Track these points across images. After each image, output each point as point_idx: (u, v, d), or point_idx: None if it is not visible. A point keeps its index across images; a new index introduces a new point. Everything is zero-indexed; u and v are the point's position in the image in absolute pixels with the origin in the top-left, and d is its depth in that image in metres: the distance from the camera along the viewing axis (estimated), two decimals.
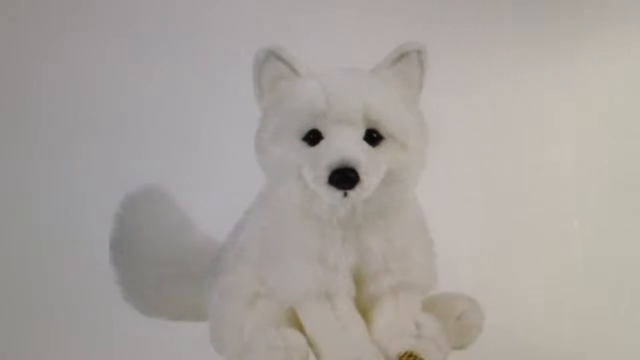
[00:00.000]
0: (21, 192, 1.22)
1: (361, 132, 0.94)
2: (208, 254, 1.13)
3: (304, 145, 0.95)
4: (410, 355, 0.94)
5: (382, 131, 0.94)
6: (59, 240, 1.21)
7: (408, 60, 0.98)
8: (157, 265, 1.16)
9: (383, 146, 0.95)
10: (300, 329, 1.01)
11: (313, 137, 0.94)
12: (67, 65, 1.23)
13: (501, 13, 1.25)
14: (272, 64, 0.98)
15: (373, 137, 0.94)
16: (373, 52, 0.99)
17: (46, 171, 1.22)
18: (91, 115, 1.21)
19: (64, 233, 1.21)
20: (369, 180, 0.92)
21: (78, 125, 1.21)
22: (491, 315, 1.04)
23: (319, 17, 1.19)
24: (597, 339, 1.07)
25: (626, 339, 1.08)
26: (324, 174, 0.91)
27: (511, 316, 1.07)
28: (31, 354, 1.12)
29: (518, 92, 1.20)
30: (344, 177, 0.90)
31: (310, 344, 0.99)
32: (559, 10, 1.25)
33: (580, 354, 1.04)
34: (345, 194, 0.92)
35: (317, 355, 0.99)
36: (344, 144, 0.92)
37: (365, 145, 0.93)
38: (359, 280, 1.00)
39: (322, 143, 0.94)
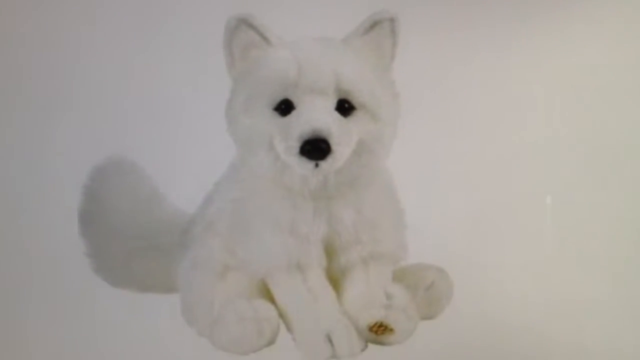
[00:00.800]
0: None
1: (333, 102, 0.94)
2: (177, 226, 1.12)
3: (275, 115, 0.95)
4: (381, 325, 0.96)
5: (354, 101, 0.95)
6: (28, 213, 1.19)
7: (380, 29, 0.98)
8: (126, 238, 1.15)
9: (355, 116, 0.95)
10: (271, 300, 1.01)
11: (284, 107, 0.94)
12: (35, 35, 1.21)
13: None
14: (243, 32, 0.97)
15: (345, 107, 0.94)
16: (345, 21, 0.99)
17: (13, 142, 1.20)
18: (59, 85, 1.19)
19: (32, 205, 1.20)
20: (341, 151, 0.92)
21: (46, 95, 1.20)
22: (460, 286, 1.06)
23: None
24: (565, 310, 1.09)
25: (595, 310, 1.10)
26: (296, 145, 0.91)
27: (480, 287, 1.08)
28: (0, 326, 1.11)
29: (491, 63, 1.20)
30: (315, 148, 0.91)
31: (281, 315, 1.00)
32: None
33: (549, 325, 1.05)
34: (317, 165, 0.92)
35: (288, 326, 1.00)
36: (316, 114, 0.92)
37: (337, 115, 0.94)
38: (330, 251, 1.01)
39: (294, 113, 0.94)
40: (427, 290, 1.04)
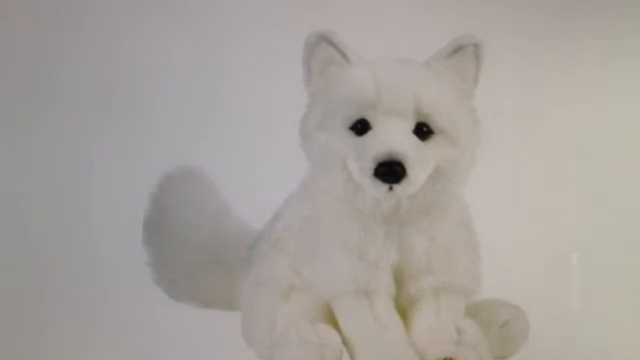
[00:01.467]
0: (57, 166, 1.21)
1: (411, 125, 0.92)
2: (244, 242, 1.12)
3: (351, 134, 0.93)
4: None
5: (433, 125, 0.92)
6: (92, 217, 1.21)
7: (464, 54, 0.96)
8: (191, 250, 1.16)
9: (433, 141, 0.93)
10: (335, 326, 0.99)
11: (361, 127, 0.93)
12: (103, 37, 1.23)
13: (562, 9, 1.22)
14: (323, 49, 0.96)
15: (423, 131, 0.92)
16: (427, 44, 0.98)
17: (83, 144, 1.22)
18: (137, 90, 1.21)
19: (97, 210, 1.21)
20: (416, 175, 0.90)
21: (122, 99, 1.21)
22: (536, 326, 1.02)
23: (374, 4, 1.17)
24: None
25: None
26: (370, 166, 0.89)
27: (558, 328, 1.05)
28: (57, 333, 1.13)
29: (575, 93, 1.17)
30: (390, 170, 0.89)
31: (344, 342, 0.98)
32: (623, 8, 1.21)
33: None
34: (391, 188, 0.90)
35: (351, 354, 0.98)
36: (393, 137, 0.90)
37: (415, 138, 0.91)
38: (399, 279, 0.98)
39: (370, 134, 0.92)
40: (502, 328, 1.01)
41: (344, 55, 0.96)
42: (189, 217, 1.17)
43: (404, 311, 0.99)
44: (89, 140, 1.21)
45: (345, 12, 1.11)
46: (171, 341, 1.09)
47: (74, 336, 1.11)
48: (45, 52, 1.20)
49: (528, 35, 1.19)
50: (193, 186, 1.18)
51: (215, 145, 1.19)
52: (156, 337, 1.10)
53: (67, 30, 1.21)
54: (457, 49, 0.96)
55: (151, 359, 1.08)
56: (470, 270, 1.01)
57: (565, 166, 1.15)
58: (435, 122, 0.92)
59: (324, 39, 0.96)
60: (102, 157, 1.22)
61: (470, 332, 0.95)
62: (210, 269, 1.15)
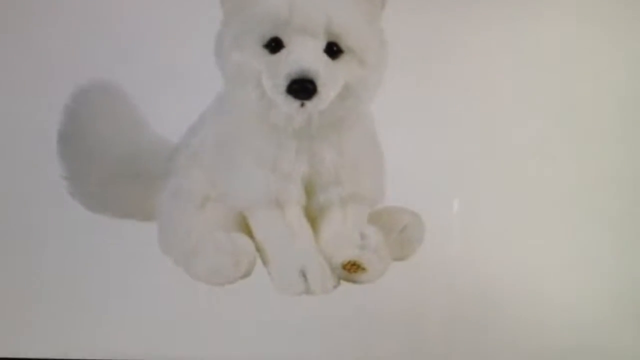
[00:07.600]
0: None
1: (322, 44, 1.02)
2: (160, 154, 1.19)
3: (265, 52, 1.02)
4: (354, 264, 1.06)
5: (343, 45, 1.03)
6: (5, 129, 1.21)
7: None
8: (107, 162, 1.21)
9: (342, 60, 1.03)
10: (249, 234, 1.10)
11: (274, 45, 1.02)
12: None
13: None
14: None
15: (333, 50, 1.02)
16: None
17: None
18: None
19: (10, 122, 1.22)
20: (326, 93, 1.01)
21: (36, 6, 1.21)
22: (431, 231, 1.14)
23: None
24: (538, 256, 1.16)
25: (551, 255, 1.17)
26: (283, 83, 0.99)
27: (450, 232, 1.16)
28: None
29: (481, 20, 1.24)
30: (302, 88, 0.99)
31: (258, 249, 1.10)
32: None
33: (519, 272, 1.15)
34: (302, 104, 1.00)
35: (264, 261, 1.10)
36: (304, 55, 1.00)
37: (325, 57, 1.02)
38: (309, 190, 1.10)
39: (283, 52, 1.01)
40: (400, 233, 1.13)
41: None
42: (104, 130, 1.21)
43: (313, 220, 1.11)
44: (2, 48, 1.22)
45: None
46: (88, 252, 1.15)
47: None
48: None
49: None
50: (108, 100, 1.21)
51: (131, 59, 1.19)
52: (73, 248, 1.16)
53: None
54: None
55: (67, 270, 1.14)
56: (375, 182, 1.13)
57: (466, 89, 1.21)
58: (345, 42, 1.02)
59: None
60: (15, 66, 1.22)
61: (372, 237, 1.08)
62: (127, 181, 1.20)
